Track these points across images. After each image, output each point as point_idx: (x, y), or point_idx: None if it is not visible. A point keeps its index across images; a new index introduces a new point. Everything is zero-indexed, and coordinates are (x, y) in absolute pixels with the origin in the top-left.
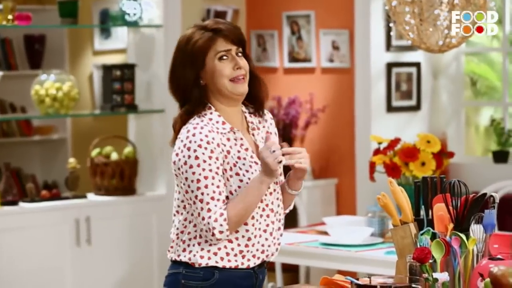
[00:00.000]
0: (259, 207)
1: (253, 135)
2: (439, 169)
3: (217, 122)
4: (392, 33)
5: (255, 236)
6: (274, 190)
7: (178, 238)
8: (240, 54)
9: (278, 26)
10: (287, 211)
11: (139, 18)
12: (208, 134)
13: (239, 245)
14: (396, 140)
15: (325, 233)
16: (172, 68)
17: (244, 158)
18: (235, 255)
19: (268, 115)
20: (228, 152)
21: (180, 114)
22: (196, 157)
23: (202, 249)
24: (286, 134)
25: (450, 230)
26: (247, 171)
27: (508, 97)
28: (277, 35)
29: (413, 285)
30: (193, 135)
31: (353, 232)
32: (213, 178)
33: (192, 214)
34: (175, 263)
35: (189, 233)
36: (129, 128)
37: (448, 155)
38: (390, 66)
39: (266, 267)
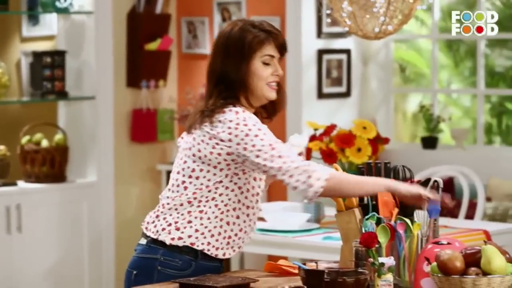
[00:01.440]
0: (252, 195)
1: None
2: (375, 155)
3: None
4: (323, 20)
5: (244, 224)
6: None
7: (171, 216)
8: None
9: (209, 13)
10: None
11: (69, 4)
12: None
13: (232, 230)
14: (332, 127)
15: (262, 219)
16: (215, 60)
17: None
18: (221, 242)
19: None
20: None
21: (215, 99)
22: (259, 129)
23: (206, 226)
24: None
25: (395, 215)
26: (253, 170)
27: (437, 83)
28: (208, 22)
29: (360, 270)
30: (248, 115)
31: (290, 218)
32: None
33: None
34: (150, 247)
35: (189, 212)
36: (59, 115)
37: (384, 141)
38: (321, 53)
39: None
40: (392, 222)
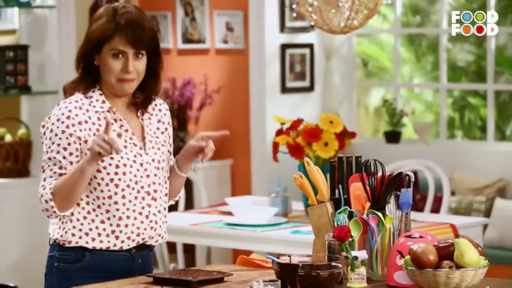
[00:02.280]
0: (133, 189)
1: (142, 120)
2: (342, 149)
3: (97, 100)
4: (286, 15)
5: (127, 217)
6: (151, 172)
7: (57, 217)
8: (140, 56)
9: (172, 7)
10: (177, 198)
11: None
12: (73, 110)
13: (111, 225)
14: (299, 121)
15: (229, 213)
16: (84, 37)
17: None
18: (107, 235)
19: (164, 106)
20: (98, 130)
21: (69, 85)
22: (51, 130)
23: (74, 227)
24: (181, 116)
25: (367, 209)
26: (120, 150)
27: (399, 78)
28: (171, 16)
29: (333, 263)
30: (59, 109)
31: (258, 212)
32: (58, 152)
33: None
34: (52, 245)
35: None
36: (22, 110)
37: (350, 135)
38: (284, 47)
39: (152, 251)
40: (365, 216)
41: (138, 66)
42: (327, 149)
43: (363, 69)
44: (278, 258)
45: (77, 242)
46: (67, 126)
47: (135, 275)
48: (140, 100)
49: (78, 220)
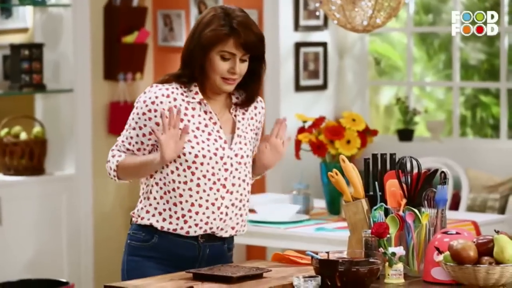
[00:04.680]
0: (209, 179)
1: (235, 115)
2: (364, 147)
3: (191, 91)
4: (300, 13)
5: (199, 205)
6: (231, 166)
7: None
8: (245, 58)
9: (186, 6)
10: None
11: None
12: (159, 97)
13: (182, 209)
14: (321, 119)
15: (251, 210)
16: (188, 40)
17: (203, 130)
18: (177, 218)
19: (260, 104)
20: (188, 120)
21: (170, 74)
22: (136, 108)
23: (150, 204)
24: None
25: (403, 206)
26: (203, 141)
27: (412, 76)
28: (184, 15)
29: (371, 260)
30: (149, 91)
31: (280, 210)
32: (134, 129)
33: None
34: (131, 223)
35: (142, 190)
36: (36, 108)
37: (372, 133)
38: (298, 46)
39: (225, 244)
40: (401, 212)
41: (242, 69)
42: (349, 147)
43: (376, 67)
44: (317, 254)
45: (148, 219)
46: (149, 110)
47: (202, 266)
48: (242, 100)
49: (155, 198)
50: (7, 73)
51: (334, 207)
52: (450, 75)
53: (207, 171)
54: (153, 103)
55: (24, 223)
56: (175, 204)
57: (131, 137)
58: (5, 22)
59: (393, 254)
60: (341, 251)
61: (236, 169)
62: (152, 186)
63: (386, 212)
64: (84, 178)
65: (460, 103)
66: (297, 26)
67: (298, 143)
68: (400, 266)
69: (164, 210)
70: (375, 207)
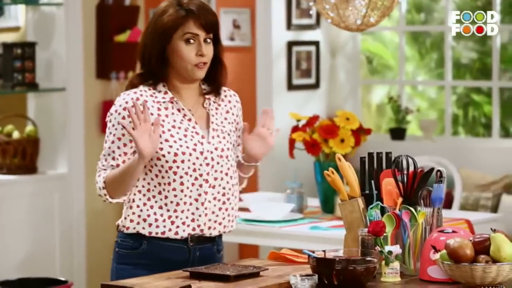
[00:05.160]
0: (191, 176)
1: (208, 110)
2: (358, 145)
3: (160, 92)
4: (292, 12)
5: (184, 203)
6: (212, 160)
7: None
8: (208, 40)
9: None
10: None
11: None
12: (129, 101)
13: (168, 210)
14: (315, 117)
15: (245, 209)
16: (143, 36)
17: (179, 127)
18: (164, 220)
19: (234, 97)
20: (163, 120)
21: (134, 78)
22: (110, 121)
23: (134, 213)
24: None
25: (400, 204)
26: (180, 139)
27: (404, 75)
28: None
29: (368, 258)
30: (118, 100)
31: (274, 208)
32: (112, 142)
33: None
34: (117, 231)
35: (123, 201)
36: (29, 107)
37: (366, 131)
38: (290, 44)
39: (215, 245)
40: (397, 211)
41: (209, 51)
42: (343, 145)
43: (368, 66)
44: (313, 253)
45: (134, 228)
46: (123, 118)
47: None
48: (210, 90)
49: (138, 206)
50: None
51: (328, 206)
52: (442, 74)
53: (189, 167)
54: (124, 109)
55: (16, 222)
56: (160, 207)
57: (113, 151)
58: None
59: (390, 252)
60: (338, 249)
61: (218, 163)
62: (135, 194)
63: (382, 211)
64: (77, 177)
65: (452, 102)
66: (289, 25)
67: (292, 142)
68: (396, 264)
69: (149, 216)
70: (371, 206)
